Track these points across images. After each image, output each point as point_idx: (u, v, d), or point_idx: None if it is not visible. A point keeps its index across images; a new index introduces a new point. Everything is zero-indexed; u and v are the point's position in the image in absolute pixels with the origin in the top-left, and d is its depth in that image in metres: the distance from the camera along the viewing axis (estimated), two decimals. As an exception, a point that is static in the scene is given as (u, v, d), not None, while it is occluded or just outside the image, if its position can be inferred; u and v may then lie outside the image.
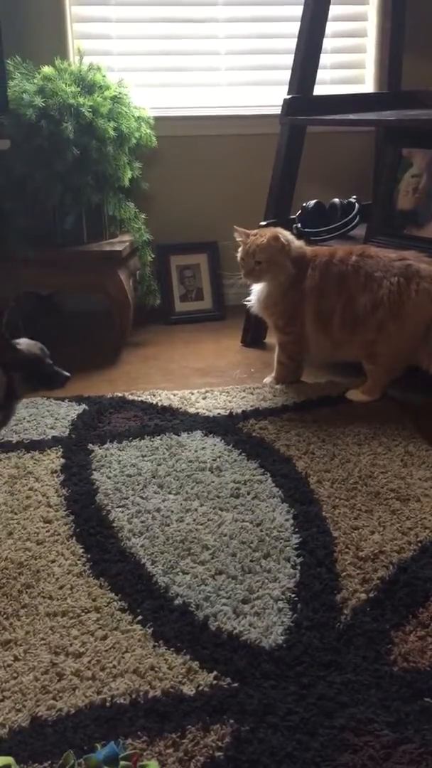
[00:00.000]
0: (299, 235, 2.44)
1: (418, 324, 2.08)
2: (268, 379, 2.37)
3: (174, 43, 2.97)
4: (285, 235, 2.22)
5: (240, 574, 1.44)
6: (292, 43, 2.58)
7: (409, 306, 2.06)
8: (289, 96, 2.58)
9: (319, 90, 2.68)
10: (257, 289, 2.29)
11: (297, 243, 2.25)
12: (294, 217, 2.69)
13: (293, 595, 1.38)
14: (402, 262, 2.11)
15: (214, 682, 1.19)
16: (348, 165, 3.09)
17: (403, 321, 2.08)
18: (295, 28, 2.58)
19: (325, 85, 3.03)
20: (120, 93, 2.65)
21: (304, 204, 2.71)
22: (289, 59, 2.62)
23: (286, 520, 1.61)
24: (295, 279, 2.20)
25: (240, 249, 2.22)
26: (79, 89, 2.53)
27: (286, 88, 2.61)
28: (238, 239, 2.23)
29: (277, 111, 2.61)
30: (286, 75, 2.62)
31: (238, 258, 2.23)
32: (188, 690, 1.17)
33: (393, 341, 2.11)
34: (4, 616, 1.34)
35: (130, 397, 2.24)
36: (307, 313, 2.21)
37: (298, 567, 1.46)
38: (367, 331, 2.13)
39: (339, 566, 1.46)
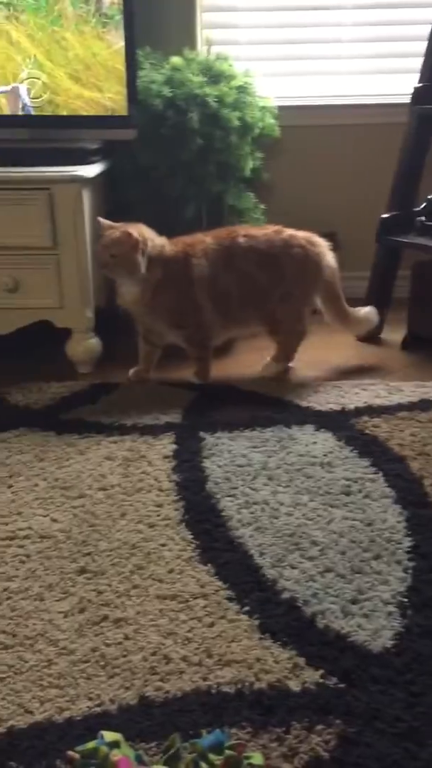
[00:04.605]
0: (424, 229, 2.35)
1: (317, 287, 2.29)
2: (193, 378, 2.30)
3: (300, 31, 2.93)
4: (142, 232, 2.15)
5: (349, 574, 1.42)
6: (424, 30, 2.49)
7: (310, 272, 2.26)
8: (420, 84, 2.50)
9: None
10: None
11: (158, 241, 2.19)
12: (418, 209, 2.61)
13: (404, 600, 1.34)
14: (282, 236, 2.25)
15: (321, 680, 1.18)
16: None
17: (306, 287, 2.27)
18: (427, 13, 2.48)
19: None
20: (246, 83, 2.65)
21: (430, 196, 2.62)
22: (420, 46, 2.53)
23: (399, 522, 1.57)
24: (179, 274, 2.17)
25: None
26: (205, 79, 2.55)
27: (416, 76, 2.53)
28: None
29: (404, 100, 2.53)
30: (417, 63, 2.53)
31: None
32: (294, 686, 1.17)
33: (296, 308, 2.28)
34: (117, 594, 1.38)
35: (241, 387, 2.25)
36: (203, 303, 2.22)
37: (410, 571, 1.42)
38: (268, 304, 2.25)
39: (453, 574, 1.41)
